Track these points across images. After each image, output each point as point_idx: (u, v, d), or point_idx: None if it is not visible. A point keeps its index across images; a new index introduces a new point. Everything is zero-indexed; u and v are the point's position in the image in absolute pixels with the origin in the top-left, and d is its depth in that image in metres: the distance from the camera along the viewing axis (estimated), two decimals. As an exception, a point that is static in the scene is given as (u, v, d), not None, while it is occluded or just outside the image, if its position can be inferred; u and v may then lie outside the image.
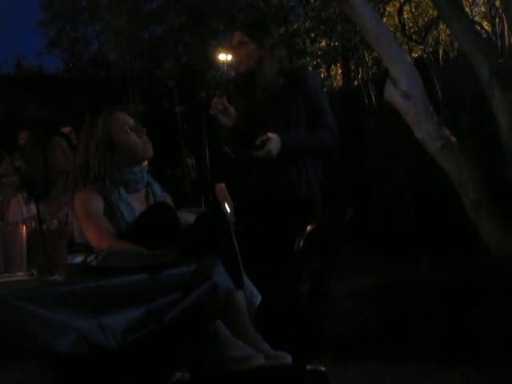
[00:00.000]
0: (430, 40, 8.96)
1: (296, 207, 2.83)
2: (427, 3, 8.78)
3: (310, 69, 11.32)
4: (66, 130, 4.80)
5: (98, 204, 2.35)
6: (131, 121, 2.47)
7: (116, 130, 2.43)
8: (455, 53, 8.36)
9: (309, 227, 2.08)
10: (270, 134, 2.77)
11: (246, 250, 2.22)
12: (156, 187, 2.51)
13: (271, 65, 2.92)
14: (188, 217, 2.34)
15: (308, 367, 1.97)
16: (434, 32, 8.77)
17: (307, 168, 2.92)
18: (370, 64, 10.19)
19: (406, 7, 8.49)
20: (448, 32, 8.12)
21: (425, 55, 8.60)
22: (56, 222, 1.84)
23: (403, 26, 7.07)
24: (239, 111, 2.87)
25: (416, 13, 9.11)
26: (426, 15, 9.33)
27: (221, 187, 3.10)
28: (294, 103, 2.88)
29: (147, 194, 2.47)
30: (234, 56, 2.96)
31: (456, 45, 7.99)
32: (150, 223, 2.16)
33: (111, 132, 2.42)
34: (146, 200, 2.45)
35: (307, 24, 10.93)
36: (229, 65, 3.10)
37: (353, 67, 10.99)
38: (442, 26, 8.45)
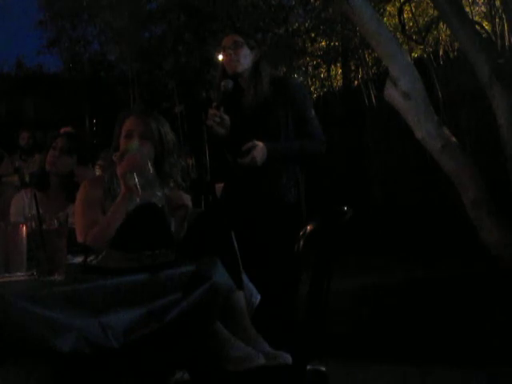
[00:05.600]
0: (430, 40, 8.95)
1: (286, 211, 2.88)
2: (427, 3, 8.76)
3: (310, 69, 11.34)
4: (66, 130, 4.79)
5: (96, 193, 2.39)
6: (137, 128, 2.47)
7: (122, 131, 2.49)
8: (455, 53, 8.35)
9: (309, 227, 2.08)
10: (255, 142, 2.80)
11: (245, 250, 2.23)
12: (167, 191, 2.52)
13: (266, 70, 2.99)
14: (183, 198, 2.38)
15: (308, 367, 1.97)
16: (434, 32, 8.76)
17: (296, 172, 2.98)
18: (370, 64, 10.18)
19: (406, 7, 8.48)
20: (448, 32, 8.12)
21: (425, 55, 8.59)
22: (56, 221, 1.84)
23: (403, 25, 7.08)
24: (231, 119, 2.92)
25: (416, 13, 9.10)
26: (426, 15, 9.32)
27: (221, 187, 3.12)
28: (282, 111, 2.92)
29: None
30: (229, 56, 2.97)
31: (456, 45, 7.98)
32: (136, 223, 2.16)
33: (120, 132, 2.50)
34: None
35: (307, 24, 10.91)
36: (223, 72, 3.08)
37: (353, 67, 10.98)
38: (442, 26, 8.44)
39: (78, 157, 3.05)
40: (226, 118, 2.86)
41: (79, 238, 2.29)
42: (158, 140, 2.45)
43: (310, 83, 11.31)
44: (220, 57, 3.09)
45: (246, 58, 2.97)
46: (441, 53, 8.62)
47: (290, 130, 2.95)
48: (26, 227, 1.94)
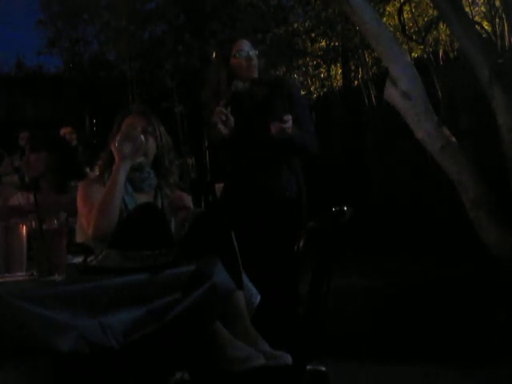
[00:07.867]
0: (430, 40, 8.94)
1: (287, 207, 2.89)
2: (427, 3, 8.75)
3: (310, 69, 11.33)
4: (66, 130, 4.77)
5: (97, 192, 2.40)
6: (139, 123, 2.50)
7: (122, 127, 2.53)
8: (455, 53, 8.34)
9: (309, 227, 2.08)
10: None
11: (245, 249, 2.23)
12: (168, 191, 2.53)
13: (261, 65, 3.04)
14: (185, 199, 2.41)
15: (308, 367, 1.97)
16: (434, 32, 8.75)
17: (297, 169, 2.99)
18: (370, 64, 10.17)
19: (406, 7, 8.47)
20: (448, 32, 8.11)
21: (425, 55, 8.58)
22: (56, 222, 1.84)
23: (403, 26, 7.06)
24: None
25: (416, 13, 9.08)
26: (425, 15, 9.31)
27: (221, 187, 3.13)
28: (280, 111, 2.94)
29: (156, 196, 2.49)
30: (248, 62, 2.99)
31: (456, 45, 7.97)
32: (135, 223, 2.17)
33: (120, 128, 2.53)
34: (154, 202, 2.48)
35: (307, 24, 10.90)
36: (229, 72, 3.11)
37: (353, 67, 10.96)
38: (442, 26, 8.42)
39: (51, 152, 3.05)
40: (231, 118, 2.87)
41: (79, 239, 2.29)
42: (159, 137, 2.51)
43: (310, 83, 11.29)
44: (214, 54, 3.13)
45: (257, 66, 3.03)
46: (441, 53, 8.61)
47: None
48: (26, 227, 1.94)
